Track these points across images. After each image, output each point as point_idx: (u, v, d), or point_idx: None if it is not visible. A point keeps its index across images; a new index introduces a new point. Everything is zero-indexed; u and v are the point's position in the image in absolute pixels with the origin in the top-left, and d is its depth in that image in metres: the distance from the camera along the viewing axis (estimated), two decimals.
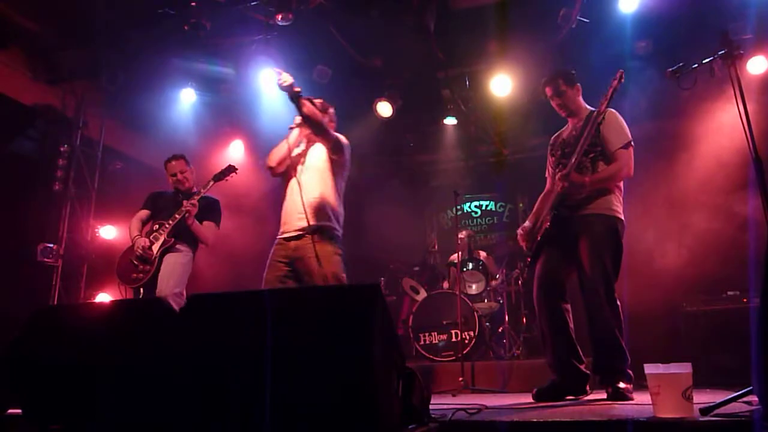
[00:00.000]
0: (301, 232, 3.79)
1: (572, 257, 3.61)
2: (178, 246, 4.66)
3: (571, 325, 3.63)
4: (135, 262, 4.60)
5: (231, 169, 5.00)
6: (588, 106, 3.86)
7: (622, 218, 3.66)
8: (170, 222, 4.64)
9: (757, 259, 4.95)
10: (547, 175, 4.06)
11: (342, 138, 4.03)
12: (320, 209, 3.83)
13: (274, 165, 4.00)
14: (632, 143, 3.66)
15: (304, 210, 3.79)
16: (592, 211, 3.59)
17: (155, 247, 4.60)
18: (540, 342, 3.85)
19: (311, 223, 3.76)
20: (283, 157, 3.99)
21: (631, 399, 3.24)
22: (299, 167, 3.98)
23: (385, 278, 7.26)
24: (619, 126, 3.67)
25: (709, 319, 5.35)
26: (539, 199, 4.01)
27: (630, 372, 3.43)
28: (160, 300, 2.44)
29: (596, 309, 3.47)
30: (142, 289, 4.59)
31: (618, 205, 3.67)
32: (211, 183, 4.86)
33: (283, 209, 3.98)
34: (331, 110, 4.17)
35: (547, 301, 3.63)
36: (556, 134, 4.06)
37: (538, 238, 3.71)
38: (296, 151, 4.05)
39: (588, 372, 3.57)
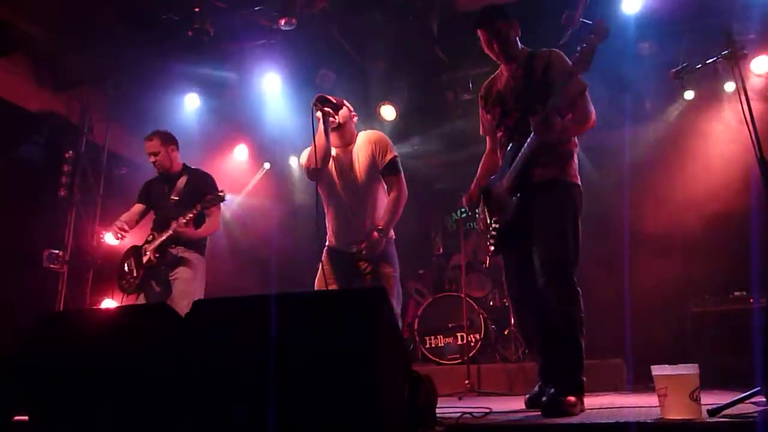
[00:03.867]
0: (361, 247, 3.60)
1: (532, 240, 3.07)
2: (183, 255, 4.39)
3: None
4: (125, 269, 4.44)
5: (219, 199, 4.45)
6: (525, 48, 3.30)
7: (578, 182, 3.14)
8: (156, 238, 4.37)
9: (762, 259, 4.94)
10: (483, 132, 3.56)
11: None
12: (377, 216, 3.69)
13: (320, 165, 3.53)
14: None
15: (365, 220, 3.67)
16: (548, 178, 3.06)
17: (139, 263, 4.38)
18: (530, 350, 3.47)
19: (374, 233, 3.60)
20: (325, 154, 3.57)
21: (575, 414, 2.70)
22: (345, 173, 3.72)
23: None
24: (570, 68, 2.98)
25: (717, 320, 5.33)
26: (483, 160, 3.56)
27: (581, 379, 2.92)
28: (166, 305, 2.44)
29: (549, 293, 2.96)
30: (140, 295, 4.40)
31: (576, 170, 3.15)
32: (195, 212, 4.37)
33: (333, 220, 3.76)
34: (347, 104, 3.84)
35: (528, 304, 3.18)
36: (486, 84, 3.46)
37: (499, 228, 3.22)
38: (334, 151, 3.70)
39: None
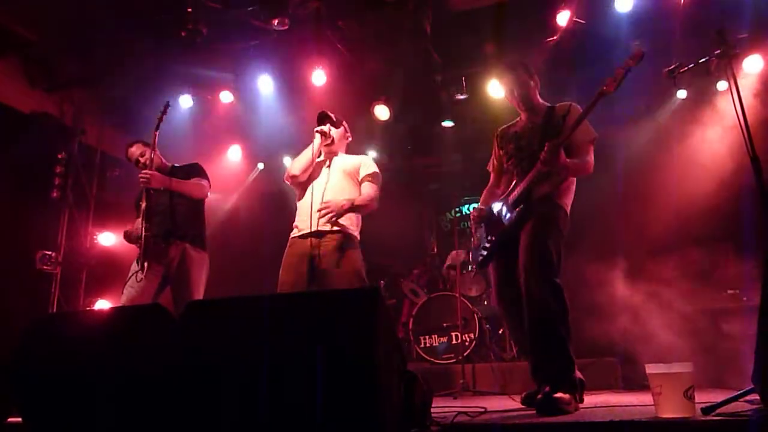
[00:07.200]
0: (322, 231, 3.72)
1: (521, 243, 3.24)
2: (191, 253, 4.29)
3: None
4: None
5: (166, 105, 4.56)
6: (545, 102, 3.54)
7: (567, 210, 3.35)
8: (140, 220, 4.20)
9: (755, 258, 4.97)
10: (490, 168, 3.81)
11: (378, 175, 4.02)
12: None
13: (298, 174, 3.92)
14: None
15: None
16: (546, 195, 3.28)
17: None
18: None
19: (335, 224, 3.75)
20: (308, 165, 3.92)
21: (569, 412, 2.73)
22: (323, 171, 3.95)
23: (384, 281, 7.25)
24: (585, 120, 3.25)
25: (710, 318, 5.34)
26: (485, 192, 3.77)
27: (576, 377, 3.00)
28: (159, 306, 2.43)
29: (535, 298, 3.02)
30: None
31: (569, 199, 3.38)
32: (155, 134, 4.42)
33: (300, 208, 3.92)
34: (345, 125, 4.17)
35: (517, 305, 3.19)
36: (503, 127, 3.71)
37: (495, 240, 3.43)
38: (319, 159, 4.01)
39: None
